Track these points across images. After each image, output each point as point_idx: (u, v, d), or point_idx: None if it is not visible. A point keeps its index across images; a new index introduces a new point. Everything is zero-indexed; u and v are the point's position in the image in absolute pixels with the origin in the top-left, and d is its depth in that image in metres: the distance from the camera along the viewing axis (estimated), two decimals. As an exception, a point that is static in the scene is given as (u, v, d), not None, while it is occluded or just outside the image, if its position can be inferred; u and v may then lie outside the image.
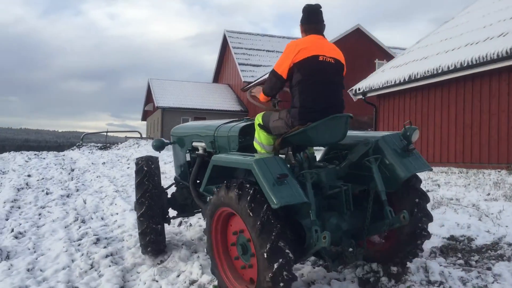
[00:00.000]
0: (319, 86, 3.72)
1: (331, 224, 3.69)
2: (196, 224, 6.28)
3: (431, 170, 3.93)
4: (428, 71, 12.18)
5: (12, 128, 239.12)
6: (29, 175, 12.12)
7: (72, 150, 23.27)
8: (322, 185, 3.76)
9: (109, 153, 19.07)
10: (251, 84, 37.40)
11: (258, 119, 4.15)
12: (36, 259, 5.31)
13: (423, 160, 3.85)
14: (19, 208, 8.26)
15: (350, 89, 15.68)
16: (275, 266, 3.10)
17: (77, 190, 9.89)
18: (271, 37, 43.75)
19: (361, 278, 4.09)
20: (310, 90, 3.71)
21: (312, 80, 3.71)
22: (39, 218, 7.42)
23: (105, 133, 28.84)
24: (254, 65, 39.18)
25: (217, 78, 45.07)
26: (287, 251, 3.14)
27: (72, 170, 13.33)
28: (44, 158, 16.25)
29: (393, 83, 13.52)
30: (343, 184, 3.79)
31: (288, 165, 3.44)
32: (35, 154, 17.78)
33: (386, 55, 34.53)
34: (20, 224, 6.86)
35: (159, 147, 5.37)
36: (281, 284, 3.12)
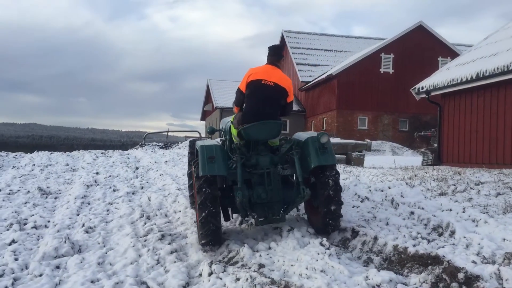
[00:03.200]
0: (258, 100, 5.51)
1: (255, 193, 5.46)
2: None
3: (334, 163, 5.42)
4: (497, 68, 11.56)
5: (80, 128, 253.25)
6: (97, 173, 12.50)
7: (136, 149, 23.67)
8: (257, 166, 5.56)
9: (170, 152, 19.25)
10: (306, 86, 37.32)
11: (232, 118, 6.23)
12: (106, 253, 5.49)
13: (331, 156, 5.41)
14: (89, 204, 8.55)
15: (413, 88, 15.19)
16: (203, 215, 5.13)
17: (142, 188, 10.11)
18: (329, 36, 43.25)
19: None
20: (251, 102, 5.56)
21: (253, 96, 5.55)
22: (107, 214, 7.65)
23: (166, 133, 29.54)
24: (311, 65, 39.43)
25: None
26: (211, 206, 5.10)
27: (137, 168, 13.60)
28: (110, 157, 16.64)
29: (459, 81, 12.95)
30: (268, 168, 5.56)
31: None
32: (102, 153, 18.27)
33: (450, 53, 33.14)
34: (90, 219, 7.10)
35: (211, 132, 6.83)
36: (208, 229, 5.15)
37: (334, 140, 18.47)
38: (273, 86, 5.57)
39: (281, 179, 5.66)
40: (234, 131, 5.84)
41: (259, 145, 5.72)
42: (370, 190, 7.75)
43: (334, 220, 5.50)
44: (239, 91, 5.75)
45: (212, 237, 5.26)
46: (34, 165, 14.16)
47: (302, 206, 6.49)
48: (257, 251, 5.20)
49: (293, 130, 35.52)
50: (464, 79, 12.75)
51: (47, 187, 10.09)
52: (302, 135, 5.76)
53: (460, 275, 4.04)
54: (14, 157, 16.39)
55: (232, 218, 6.20)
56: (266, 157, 5.65)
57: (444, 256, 4.47)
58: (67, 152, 18.96)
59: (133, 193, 9.46)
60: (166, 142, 27.02)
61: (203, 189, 5.13)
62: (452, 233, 5.44)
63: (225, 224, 6.34)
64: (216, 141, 6.02)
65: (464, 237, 5.16)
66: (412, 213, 6.38)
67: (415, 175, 9.44)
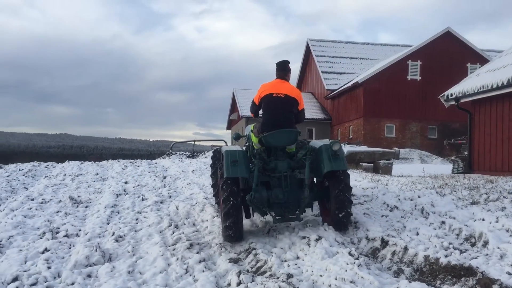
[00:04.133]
0: (272, 111, 6.22)
1: (273, 194, 6.00)
2: (285, 232, 6.28)
3: (345, 168, 5.90)
4: (530, 74, 11.25)
5: (109, 138, 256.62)
6: (126, 182, 12.51)
7: (163, 158, 23.56)
8: (275, 170, 6.14)
9: (197, 161, 19.02)
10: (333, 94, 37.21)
11: (252, 126, 6.94)
12: (136, 262, 5.51)
13: (342, 162, 5.87)
14: (118, 213, 8.58)
15: (442, 95, 14.92)
16: (227, 207, 5.74)
17: (170, 197, 10.08)
18: (355, 44, 43.00)
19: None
20: (267, 114, 6.27)
21: (268, 108, 6.27)
22: (136, 223, 7.67)
23: (192, 142, 29.61)
24: (337, 73, 39.30)
25: (300, 86, 45.37)
26: (233, 200, 5.70)
27: (164, 177, 13.50)
28: (138, 166, 16.63)
29: (489, 87, 12.66)
30: (285, 171, 6.09)
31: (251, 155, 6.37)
32: (130, 162, 18.25)
33: (480, 59, 32.45)
34: (120, 228, 7.12)
35: (236, 138, 7.47)
36: (231, 221, 5.74)
37: (361, 148, 18.25)
38: (284, 98, 6.24)
39: (298, 182, 6.18)
40: (254, 139, 6.48)
41: (277, 151, 6.33)
42: (399, 199, 7.63)
43: (345, 216, 5.97)
44: (253, 103, 6.62)
45: (234, 229, 5.82)
46: (65, 174, 14.34)
47: (316, 207, 7.11)
48: (285, 261, 5.16)
49: (319, 138, 35.70)
50: (495, 86, 12.46)
51: (78, 196, 10.18)
52: (317, 143, 6.25)
53: (495, 287, 3.93)
54: (46, 167, 16.58)
55: (253, 216, 6.73)
56: (284, 162, 6.22)
57: (477, 267, 4.36)
58: (96, 162, 19.03)
59: (161, 202, 9.45)
60: (193, 151, 27.10)
61: (227, 188, 5.75)
62: (486, 243, 5.30)
63: (249, 224, 6.96)
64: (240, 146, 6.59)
65: (498, 248, 5.02)
66: (443, 222, 6.24)
67: (446, 184, 9.24)
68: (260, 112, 6.62)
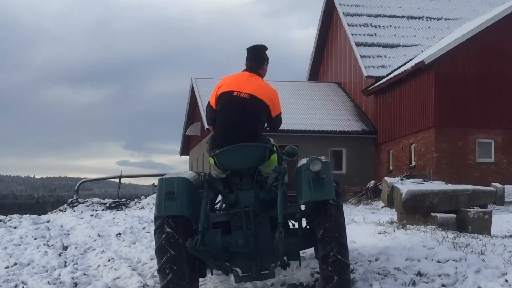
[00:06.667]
0: (230, 118, 5.13)
1: (232, 239, 4.97)
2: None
3: (332, 198, 4.86)
4: None
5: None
6: None
7: (62, 211, 18.75)
8: (236, 204, 5.08)
9: (126, 215, 14.57)
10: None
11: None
12: None
13: (328, 189, 4.77)
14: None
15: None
16: (159, 262, 4.87)
17: (75, 286, 7.41)
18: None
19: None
20: (222, 121, 5.18)
21: (224, 112, 5.17)
22: None
23: (117, 180, 23.84)
24: (385, 46, 27.68)
25: (316, 73, 33.74)
26: (171, 250, 4.79)
27: (65, 248, 10.16)
28: (15, 228, 12.85)
29: None
30: (246, 206, 4.99)
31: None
32: None
33: None
34: None
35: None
36: (168, 278, 4.78)
37: (433, 186, 12.01)
38: (248, 99, 5.22)
39: (270, 221, 5.13)
40: (211, 160, 5.50)
41: (244, 177, 5.27)
42: (506, 281, 5.82)
43: (337, 268, 4.81)
44: (209, 106, 5.44)
45: None
46: None
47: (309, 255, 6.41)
48: None
49: (354, 165, 26.60)
50: None
51: None
52: (301, 162, 5.34)
53: None
54: None
55: (211, 274, 5.91)
56: (249, 192, 5.17)
57: None
58: None
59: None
60: (118, 196, 22.75)
61: (161, 233, 4.90)
62: None
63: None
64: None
65: None
66: None
67: None
68: None
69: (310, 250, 6.03)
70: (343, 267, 4.69)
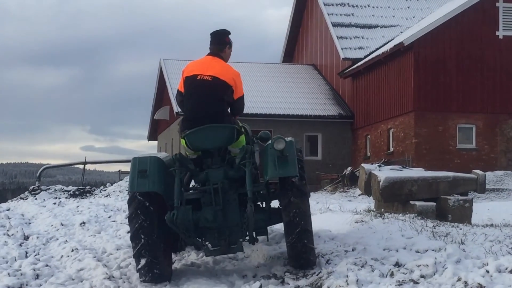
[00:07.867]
0: (195, 99, 5.41)
1: (201, 215, 5.24)
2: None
3: (295, 174, 5.13)
4: None
5: None
6: None
7: (23, 199, 18.24)
8: (206, 182, 5.32)
9: (90, 203, 14.29)
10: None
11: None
12: None
13: (291, 166, 5.10)
14: None
15: None
16: (132, 229, 5.19)
17: (37, 278, 7.25)
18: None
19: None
20: (188, 103, 5.49)
21: (189, 95, 5.47)
22: None
23: (82, 166, 22.14)
24: (362, 26, 27.20)
25: (290, 55, 33.07)
26: (143, 218, 5.07)
27: (26, 238, 9.95)
28: None
29: None
30: (215, 184, 5.22)
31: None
32: None
33: None
34: None
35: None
36: (144, 265, 5.14)
37: (412, 172, 11.98)
38: (211, 81, 5.49)
39: (239, 197, 5.44)
40: (182, 141, 5.77)
41: (213, 157, 5.55)
42: (487, 272, 5.72)
43: (304, 250, 5.27)
44: (178, 93, 5.82)
45: (151, 274, 5.25)
46: None
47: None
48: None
49: (330, 151, 26.30)
50: None
51: None
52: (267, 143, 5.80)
53: None
54: None
55: (184, 249, 6.45)
56: (218, 171, 5.48)
57: None
58: None
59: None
60: (82, 183, 21.62)
61: (134, 205, 5.19)
62: None
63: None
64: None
65: None
66: None
67: None
68: None
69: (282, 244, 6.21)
70: (307, 234, 5.11)
